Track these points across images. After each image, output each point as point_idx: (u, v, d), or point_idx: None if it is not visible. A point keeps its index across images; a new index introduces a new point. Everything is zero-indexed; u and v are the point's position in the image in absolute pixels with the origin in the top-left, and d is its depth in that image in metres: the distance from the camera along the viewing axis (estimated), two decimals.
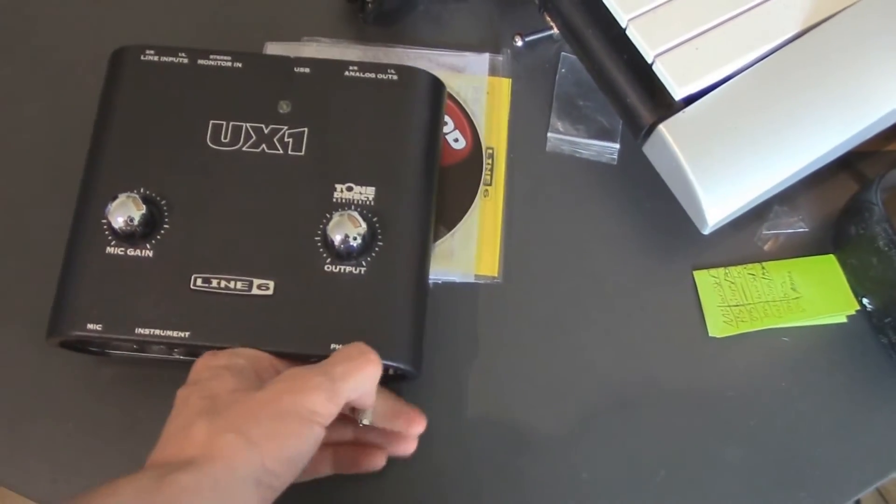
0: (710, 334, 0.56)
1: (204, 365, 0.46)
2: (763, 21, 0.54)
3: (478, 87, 0.62)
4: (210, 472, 0.39)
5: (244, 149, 0.53)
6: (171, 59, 0.55)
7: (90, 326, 0.50)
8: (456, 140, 0.60)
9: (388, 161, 0.54)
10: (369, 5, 0.62)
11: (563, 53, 0.63)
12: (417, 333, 0.52)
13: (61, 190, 0.55)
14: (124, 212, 0.50)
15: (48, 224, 0.55)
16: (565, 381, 0.55)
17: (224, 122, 0.54)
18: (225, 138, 0.54)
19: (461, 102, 0.61)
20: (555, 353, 0.56)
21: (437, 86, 0.57)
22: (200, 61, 0.55)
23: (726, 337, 0.56)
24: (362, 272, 0.51)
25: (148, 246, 0.51)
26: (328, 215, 0.52)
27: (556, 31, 0.61)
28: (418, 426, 0.50)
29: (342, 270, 0.51)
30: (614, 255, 0.58)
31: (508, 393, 0.55)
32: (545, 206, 0.60)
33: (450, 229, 0.58)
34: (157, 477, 0.38)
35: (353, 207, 0.52)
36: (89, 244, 0.51)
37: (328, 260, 0.51)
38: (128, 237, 0.51)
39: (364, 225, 0.51)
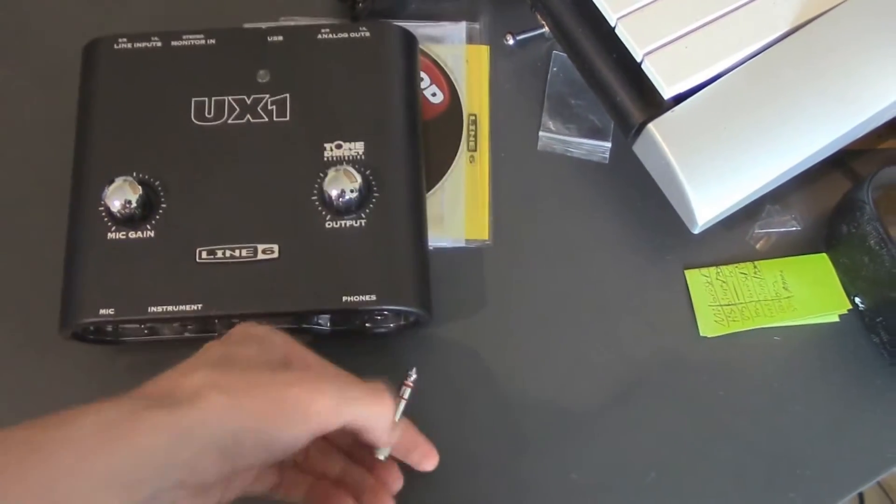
0: (701, 334, 0.56)
1: (242, 330, 0.46)
2: (752, 20, 0.54)
3: (457, 55, 0.63)
4: (186, 419, 0.38)
5: (230, 121, 0.54)
6: (144, 44, 0.56)
7: (102, 312, 0.50)
8: (434, 94, 0.61)
9: (372, 114, 0.55)
10: (360, 4, 0.62)
11: (554, 52, 0.63)
12: (423, 277, 0.53)
13: (60, 186, 0.55)
14: (121, 195, 0.51)
15: (49, 221, 0.55)
16: (555, 381, 0.55)
17: (206, 99, 0.55)
18: (209, 114, 0.54)
19: (433, 56, 0.62)
20: (545, 353, 0.56)
21: (408, 38, 0.58)
22: (174, 43, 0.56)
23: (718, 336, 0.56)
24: (363, 224, 0.52)
25: (148, 227, 0.52)
26: (322, 174, 0.52)
27: (547, 29, 0.60)
28: (431, 461, 0.50)
29: (343, 225, 0.52)
30: (605, 254, 0.58)
31: (498, 393, 0.55)
32: (536, 205, 0.59)
33: (432, 187, 0.59)
34: (129, 412, 0.38)
35: (344, 163, 0.53)
36: (90, 233, 0.52)
37: (328, 217, 0.52)
38: (127, 220, 0.52)
39: (359, 178, 0.52)
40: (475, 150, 0.60)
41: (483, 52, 0.63)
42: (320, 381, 0.42)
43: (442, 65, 0.62)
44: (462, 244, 0.58)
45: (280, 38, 0.56)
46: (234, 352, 0.43)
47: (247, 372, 0.42)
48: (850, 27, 0.53)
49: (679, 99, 0.53)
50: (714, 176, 0.52)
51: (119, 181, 0.51)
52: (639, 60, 0.53)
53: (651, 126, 0.53)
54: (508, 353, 0.56)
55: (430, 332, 0.56)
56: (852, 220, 0.55)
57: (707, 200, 0.52)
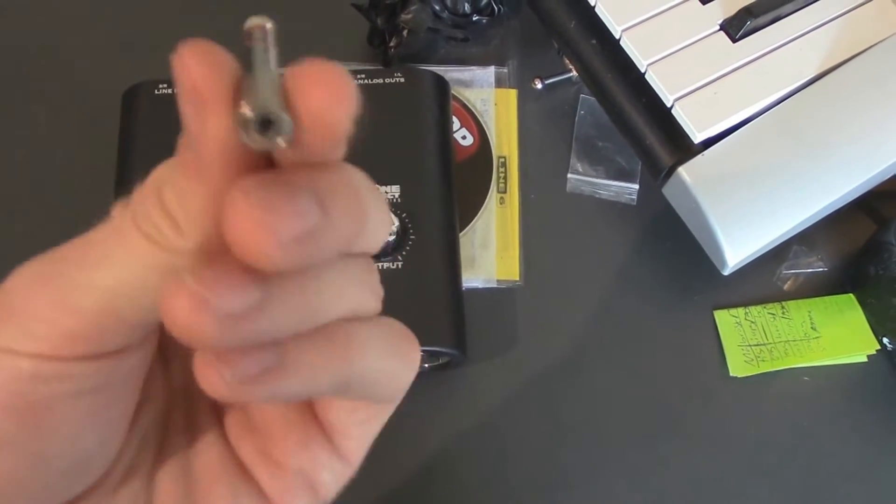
0: (731, 374, 0.57)
1: None
2: (781, 65, 0.55)
3: (486, 99, 0.64)
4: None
5: None
6: None
7: None
8: (464, 137, 0.63)
9: (407, 158, 0.56)
10: (392, 49, 0.63)
11: (582, 95, 0.64)
12: (459, 318, 0.54)
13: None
14: None
15: None
16: (585, 421, 0.56)
17: None
18: None
19: (463, 100, 0.64)
20: (575, 393, 0.57)
21: (441, 83, 0.59)
22: None
23: (748, 376, 0.57)
24: (399, 266, 0.53)
25: None
26: None
27: (574, 73, 0.62)
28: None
29: (381, 267, 0.53)
30: (634, 294, 0.59)
31: (529, 432, 0.56)
32: (566, 246, 0.60)
33: (463, 227, 0.60)
34: None
35: None
36: None
37: None
38: None
39: (396, 221, 0.53)
40: (505, 192, 0.61)
41: (511, 95, 0.64)
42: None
43: (471, 108, 0.63)
44: (494, 284, 0.59)
45: None
46: None
47: None
48: (876, 71, 0.55)
49: (708, 143, 0.54)
50: (745, 219, 0.53)
51: None
52: (669, 105, 0.55)
53: (681, 170, 0.53)
54: (539, 393, 0.56)
55: (461, 371, 0.56)
56: (880, 261, 0.55)
57: (738, 243, 0.53)
